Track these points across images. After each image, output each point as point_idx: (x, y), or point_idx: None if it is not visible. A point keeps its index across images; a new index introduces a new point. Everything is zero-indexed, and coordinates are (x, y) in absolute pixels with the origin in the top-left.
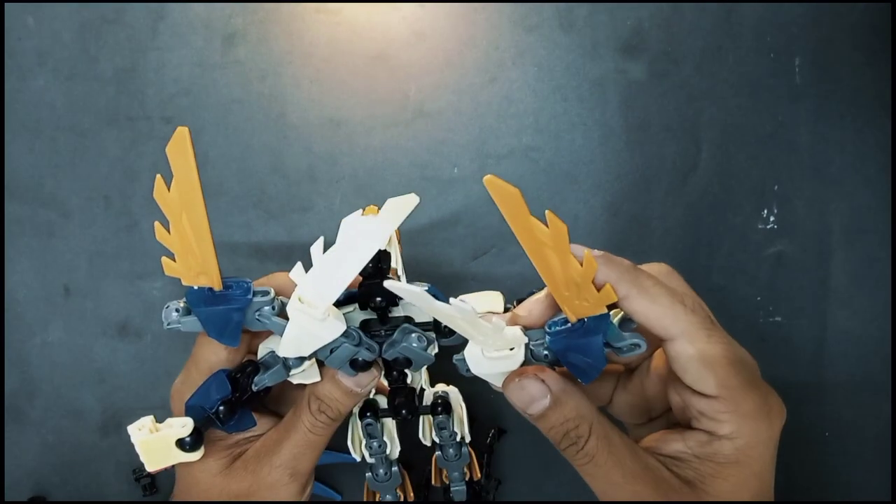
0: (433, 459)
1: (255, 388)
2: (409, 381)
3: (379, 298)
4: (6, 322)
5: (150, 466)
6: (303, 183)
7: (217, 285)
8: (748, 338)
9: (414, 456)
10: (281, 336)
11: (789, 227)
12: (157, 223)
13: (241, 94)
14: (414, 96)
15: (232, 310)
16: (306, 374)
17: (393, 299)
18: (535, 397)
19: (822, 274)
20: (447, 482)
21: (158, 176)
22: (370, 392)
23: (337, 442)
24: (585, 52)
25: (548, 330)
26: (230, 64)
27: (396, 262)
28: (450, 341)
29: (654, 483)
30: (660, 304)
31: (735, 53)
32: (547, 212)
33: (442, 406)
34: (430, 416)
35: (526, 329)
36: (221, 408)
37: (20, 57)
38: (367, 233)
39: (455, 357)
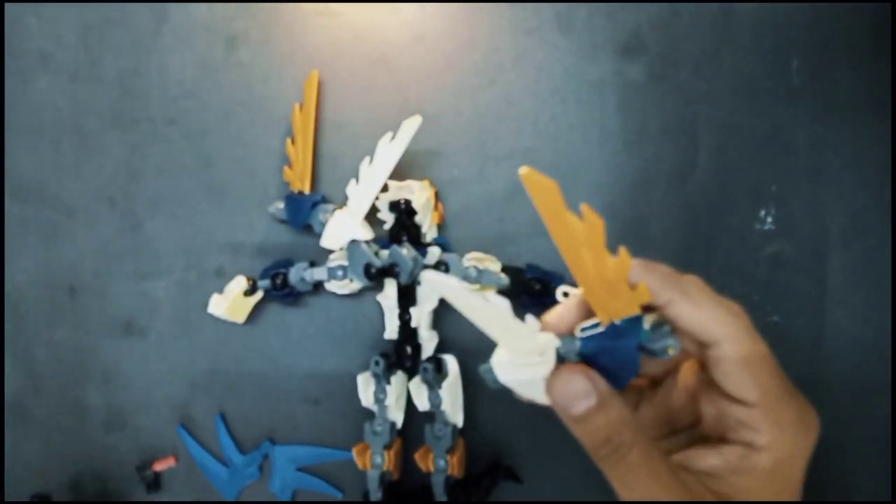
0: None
1: (305, 279)
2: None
3: (404, 232)
4: (12, 321)
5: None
6: None
7: (307, 189)
8: None
9: (416, 443)
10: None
11: (787, 228)
12: (288, 139)
13: (244, 95)
14: (414, 98)
15: (306, 203)
16: (342, 286)
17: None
18: (580, 395)
19: (820, 274)
20: (432, 469)
21: (296, 104)
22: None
23: (337, 439)
24: (584, 54)
25: (579, 334)
26: (233, 66)
27: (426, 221)
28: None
29: (691, 498)
30: (704, 307)
31: (732, 55)
32: (583, 206)
33: (435, 362)
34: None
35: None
36: (279, 275)
37: (23, 58)
38: (386, 150)
39: (481, 367)
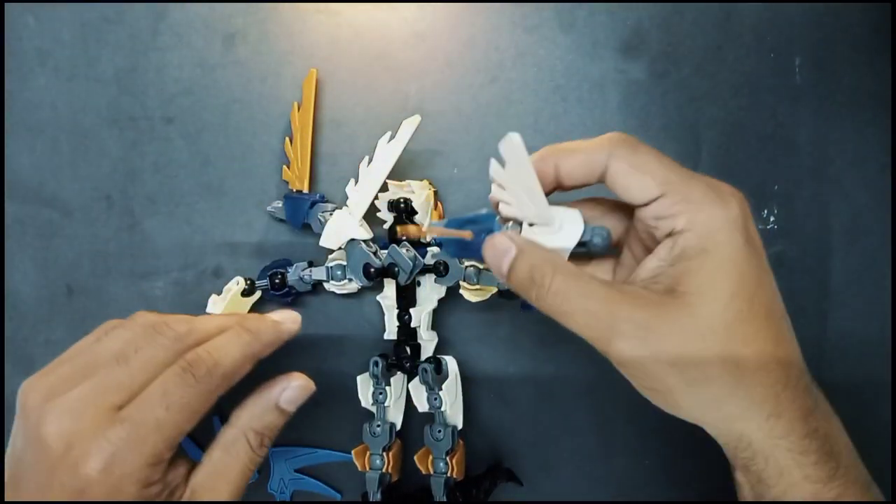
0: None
1: (304, 279)
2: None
3: (405, 238)
4: (10, 321)
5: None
6: None
7: (306, 188)
8: None
9: (416, 444)
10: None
11: (789, 228)
12: (286, 138)
13: (242, 94)
14: (414, 96)
15: (305, 202)
16: (341, 286)
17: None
18: (503, 252)
19: (822, 274)
20: (431, 471)
21: (295, 103)
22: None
23: (336, 441)
24: (585, 52)
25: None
26: (231, 64)
27: (425, 221)
28: (445, 281)
29: (633, 299)
30: (579, 151)
31: (735, 53)
32: None
33: (434, 362)
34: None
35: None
36: (277, 275)
37: (21, 57)
38: (386, 149)
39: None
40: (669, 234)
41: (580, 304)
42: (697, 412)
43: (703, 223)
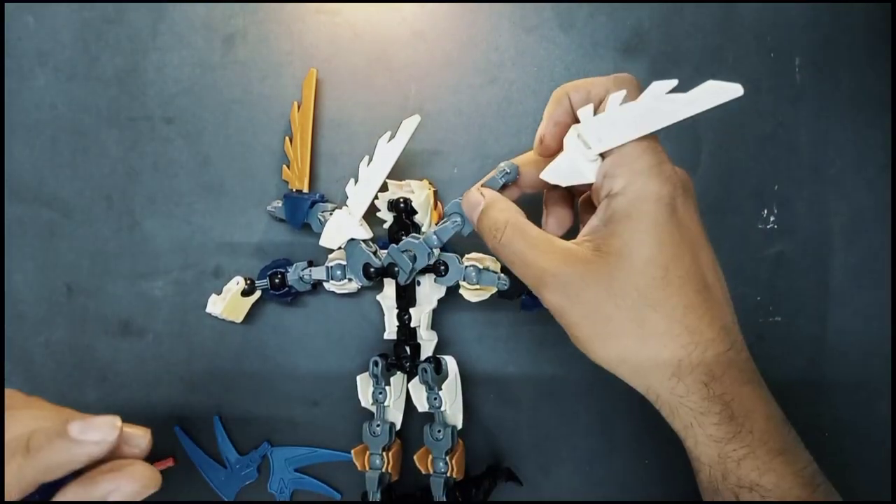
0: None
1: (304, 278)
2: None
3: (403, 232)
4: (10, 321)
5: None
6: None
7: (305, 188)
8: (748, 337)
9: (415, 445)
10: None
11: (789, 228)
12: (286, 138)
13: (242, 94)
14: (414, 97)
15: (305, 202)
16: (341, 286)
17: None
18: (475, 204)
19: (822, 274)
20: (431, 470)
21: (295, 103)
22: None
23: (336, 441)
24: (585, 52)
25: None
26: (230, 64)
27: (425, 220)
28: (445, 280)
29: (563, 255)
30: (584, 87)
31: (735, 53)
32: None
33: (434, 362)
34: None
35: None
36: (277, 275)
37: (20, 57)
38: (386, 149)
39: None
40: (608, 195)
41: (520, 256)
42: (609, 362)
43: (635, 191)
